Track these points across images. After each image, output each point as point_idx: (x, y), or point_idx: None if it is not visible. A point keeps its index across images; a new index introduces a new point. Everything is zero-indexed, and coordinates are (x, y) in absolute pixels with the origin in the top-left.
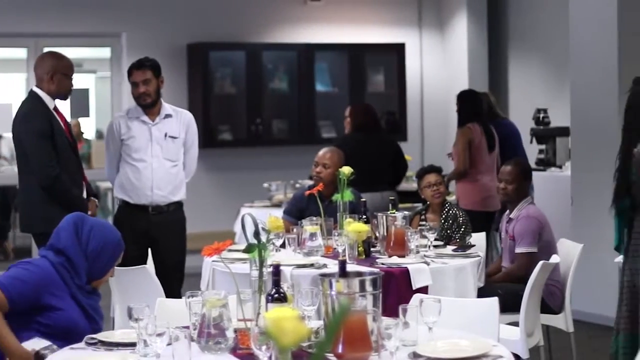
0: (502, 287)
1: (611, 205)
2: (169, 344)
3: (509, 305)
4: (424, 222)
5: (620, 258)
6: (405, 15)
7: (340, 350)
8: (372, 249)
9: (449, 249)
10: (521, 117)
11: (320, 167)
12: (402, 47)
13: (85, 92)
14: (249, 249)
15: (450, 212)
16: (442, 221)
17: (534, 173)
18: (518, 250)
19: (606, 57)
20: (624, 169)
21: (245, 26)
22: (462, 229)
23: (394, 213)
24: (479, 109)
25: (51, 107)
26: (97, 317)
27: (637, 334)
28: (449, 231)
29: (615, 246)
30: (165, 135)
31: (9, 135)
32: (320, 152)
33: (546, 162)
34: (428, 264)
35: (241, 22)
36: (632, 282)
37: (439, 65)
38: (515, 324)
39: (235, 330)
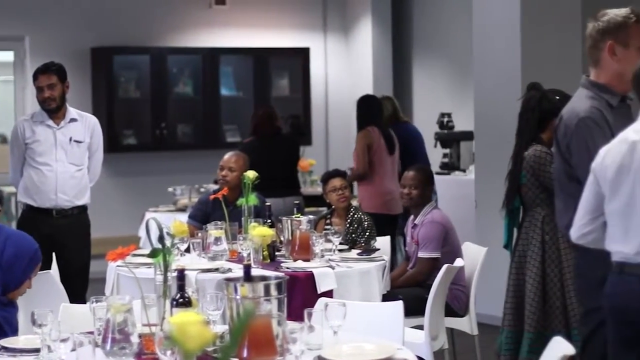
0: (407, 291)
1: (502, 207)
2: (73, 350)
3: (414, 309)
4: (329, 226)
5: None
6: (310, 20)
7: (245, 354)
8: (277, 253)
9: (354, 252)
10: (425, 122)
11: (226, 171)
12: (307, 52)
13: None
14: (153, 254)
15: (356, 216)
16: (348, 225)
17: (439, 177)
18: (421, 254)
19: (509, 63)
20: (515, 172)
21: (150, 30)
22: (367, 233)
23: (298, 217)
24: (377, 113)
25: None
26: (9, 330)
27: (521, 331)
28: (354, 235)
29: (504, 245)
30: (70, 139)
31: None
32: (226, 156)
33: (450, 166)
34: (333, 267)
35: (146, 26)
36: (518, 280)
37: (343, 70)
38: (420, 327)
39: (140, 335)
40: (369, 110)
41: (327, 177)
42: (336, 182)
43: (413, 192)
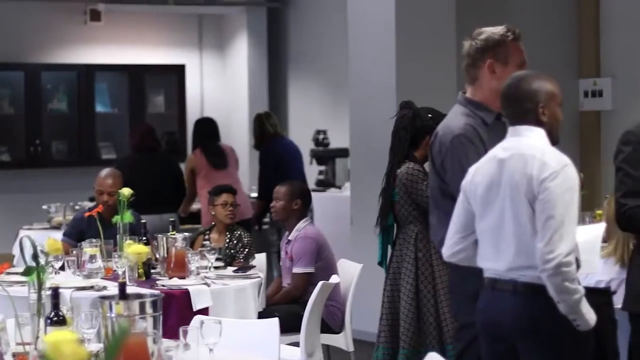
0: (283, 308)
1: (376, 224)
2: None
3: (290, 326)
4: (207, 242)
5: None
6: (186, 37)
7: None
8: (152, 271)
9: (230, 270)
10: (301, 138)
11: (107, 196)
12: (183, 68)
13: None
14: (27, 272)
15: (235, 232)
16: (227, 241)
17: (314, 194)
18: (295, 270)
19: (384, 81)
20: (388, 189)
21: (24, 46)
22: (247, 250)
23: (174, 234)
24: (202, 135)
25: None
26: None
27: (396, 348)
28: (232, 251)
29: (379, 262)
30: None
31: None
32: (104, 180)
33: (326, 183)
34: (208, 285)
35: (19, 42)
36: (393, 297)
37: (219, 87)
38: (296, 344)
39: (14, 355)
40: (195, 133)
41: (219, 191)
42: (228, 197)
43: (277, 205)
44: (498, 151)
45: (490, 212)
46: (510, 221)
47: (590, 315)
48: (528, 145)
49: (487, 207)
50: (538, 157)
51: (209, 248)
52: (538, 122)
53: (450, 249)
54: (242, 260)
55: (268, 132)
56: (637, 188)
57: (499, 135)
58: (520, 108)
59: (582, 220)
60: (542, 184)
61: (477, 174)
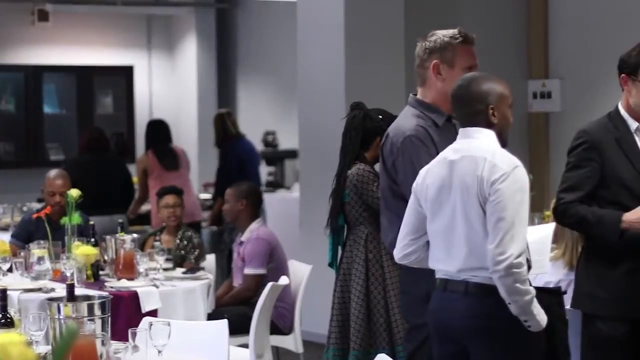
0: (232, 310)
1: (327, 225)
2: None
3: (239, 327)
4: (157, 243)
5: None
6: (134, 38)
7: None
8: (100, 272)
9: (179, 271)
10: (250, 139)
11: (59, 197)
12: (131, 70)
13: None
14: None
15: (186, 233)
16: (178, 242)
17: (263, 194)
18: (246, 271)
19: (333, 82)
20: (339, 190)
21: None
22: (198, 251)
23: (122, 236)
24: (153, 137)
25: None
26: None
27: (347, 349)
28: (183, 252)
29: (329, 263)
30: None
31: None
32: (54, 181)
33: (275, 184)
34: (157, 286)
35: None
36: (343, 298)
37: (168, 87)
38: (245, 345)
39: None
40: (147, 134)
41: (162, 192)
42: (170, 199)
43: (226, 207)
44: (449, 153)
45: (442, 213)
46: (462, 223)
47: (541, 317)
48: (478, 147)
49: (438, 208)
50: (488, 159)
51: (157, 249)
52: (488, 124)
53: (401, 250)
54: (193, 261)
55: (230, 131)
56: (577, 184)
57: (450, 137)
58: (470, 109)
59: (531, 222)
60: (492, 185)
61: (428, 175)
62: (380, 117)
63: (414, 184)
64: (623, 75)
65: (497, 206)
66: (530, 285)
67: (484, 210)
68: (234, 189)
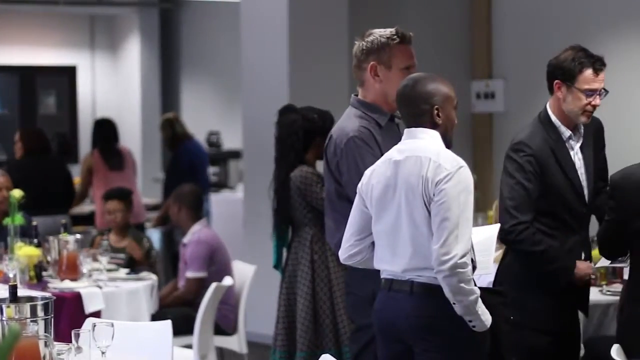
0: (176, 310)
1: (273, 228)
2: None
3: (183, 328)
4: (105, 242)
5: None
6: (77, 38)
7: None
8: (43, 273)
9: (122, 272)
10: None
11: (5, 190)
12: (74, 70)
13: None
14: None
15: (136, 235)
16: (127, 243)
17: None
18: (187, 274)
19: (277, 82)
20: (283, 192)
21: None
22: (146, 252)
23: (66, 236)
24: (100, 136)
25: None
26: None
27: (294, 351)
28: (131, 253)
29: (274, 265)
30: None
31: None
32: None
33: (219, 184)
34: (101, 287)
35: None
36: (289, 300)
37: (111, 87)
38: (189, 346)
39: None
40: (94, 134)
41: (107, 197)
42: (111, 205)
43: (169, 210)
44: (393, 153)
45: (387, 214)
46: (407, 223)
47: (486, 317)
48: (423, 147)
49: (383, 209)
50: (433, 159)
51: (102, 250)
52: (433, 124)
53: (346, 251)
54: (142, 262)
55: (180, 133)
56: (528, 202)
57: (393, 136)
58: (415, 110)
59: (475, 222)
60: (437, 186)
61: (373, 176)
62: (316, 115)
63: (359, 185)
64: (557, 81)
65: (441, 206)
66: (475, 285)
67: (429, 211)
68: (174, 192)
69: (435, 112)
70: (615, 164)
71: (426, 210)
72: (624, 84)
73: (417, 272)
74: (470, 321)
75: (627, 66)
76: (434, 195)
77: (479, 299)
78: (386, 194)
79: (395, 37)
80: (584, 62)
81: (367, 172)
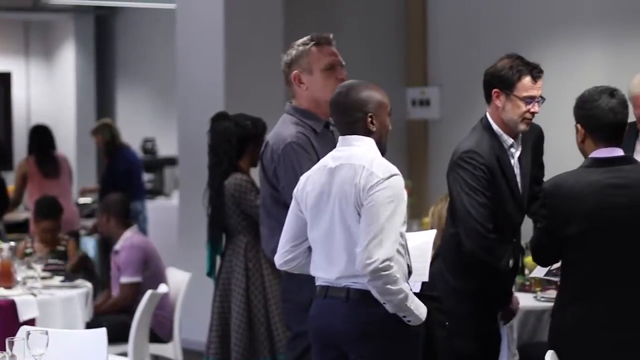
0: (111, 318)
1: (208, 236)
2: None
3: (118, 336)
4: (29, 250)
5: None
6: (11, 44)
7: None
8: None
9: (57, 280)
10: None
11: None
12: (8, 76)
13: None
14: None
15: (63, 242)
16: (58, 251)
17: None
18: (122, 280)
19: (212, 89)
20: (217, 200)
21: None
22: (79, 261)
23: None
24: (36, 142)
25: None
26: None
27: (228, 359)
28: (63, 261)
29: (207, 273)
30: None
31: None
32: None
33: (154, 191)
34: (35, 295)
35: None
36: (223, 308)
37: (46, 94)
38: (125, 354)
39: None
40: (30, 140)
41: (40, 215)
42: (44, 224)
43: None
44: (328, 160)
45: (321, 221)
46: (340, 230)
47: (420, 310)
48: (358, 155)
49: (317, 216)
50: (366, 167)
51: (36, 258)
52: (367, 132)
53: (282, 257)
54: (73, 270)
55: (117, 140)
56: (489, 214)
57: (329, 143)
58: (349, 117)
59: (409, 228)
60: (367, 192)
61: (308, 183)
62: (249, 122)
63: (295, 190)
64: (496, 89)
65: (368, 212)
66: (405, 284)
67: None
68: (99, 205)
69: (369, 119)
70: (549, 170)
71: (359, 217)
72: (558, 88)
73: (352, 280)
74: (404, 317)
75: (560, 71)
76: (364, 201)
77: (411, 295)
78: (320, 201)
79: (309, 41)
80: (522, 70)
81: (303, 179)
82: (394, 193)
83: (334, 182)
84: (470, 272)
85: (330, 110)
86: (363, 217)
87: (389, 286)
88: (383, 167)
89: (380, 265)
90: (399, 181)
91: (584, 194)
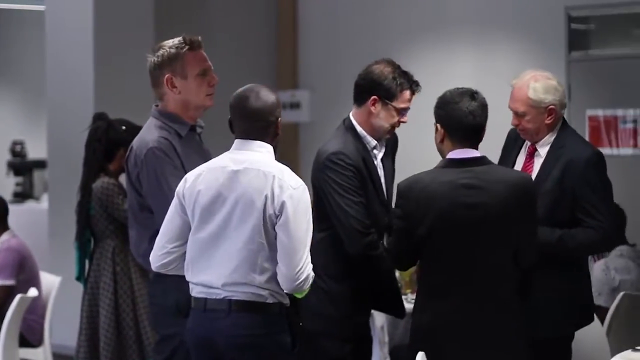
0: None
1: (75, 238)
2: None
3: None
4: None
5: None
6: None
7: None
8: None
9: None
10: None
11: None
12: None
13: None
14: None
15: None
16: None
17: (12, 206)
18: None
19: (82, 91)
20: (84, 203)
21: None
22: None
23: None
24: None
25: None
26: None
27: None
28: None
29: (76, 277)
30: None
31: None
32: None
33: (23, 195)
34: None
35: None
36: (91, 312)
37: None
38: None
39: None
40: None
41: None
42: None
43: None
44: (226, 162)
45: (211, 222)
46: (234, 235)
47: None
48: (263, 161)
49: (208, 217)
50: (278, 177)
51: None
52: (275, 135)
53: (160, 259)
54: None
55: None
56: (366, 213)
57: (194, 146)
58: (262, 122)
59: None
60: (282, 205)
61: (200, 181)
62: (124, 127)
63: (180, 189)
64: (375, 96)
65: (286, 227)
66: None
67: (267, 227)
68: None
69: (277, 124)
70: (415, 169)
71: (265, 226)
72: (423, 90)
73: (236, 287)
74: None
75: (427, 76)
76: (279, 214)
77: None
78: (215, 202)
79: (184, 45)
80: (404, 84)
81: (190, 176)
82: (307, 205)
83: (238, 185)
84: (346, 274)
85: (237, 115)
86: (282, 232)
87: (307, 286)
88: (294, 179)
89: (309, 280)
90: (306, 190)
91: (437, 193)
